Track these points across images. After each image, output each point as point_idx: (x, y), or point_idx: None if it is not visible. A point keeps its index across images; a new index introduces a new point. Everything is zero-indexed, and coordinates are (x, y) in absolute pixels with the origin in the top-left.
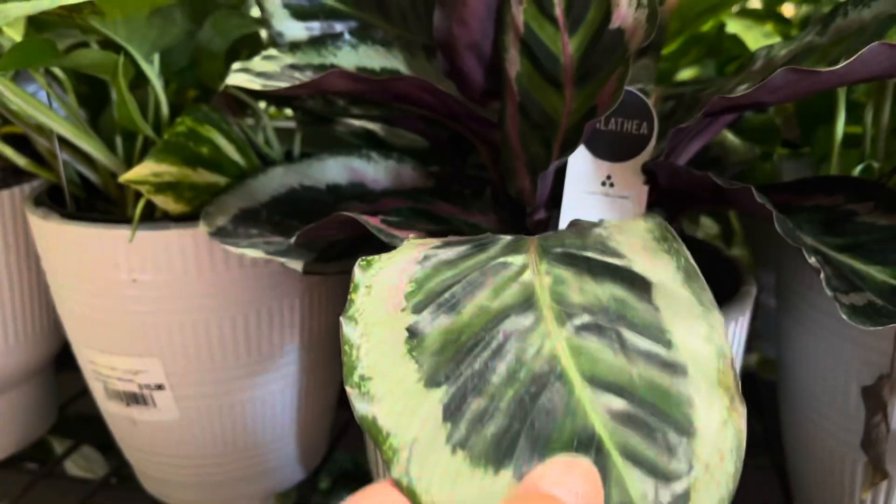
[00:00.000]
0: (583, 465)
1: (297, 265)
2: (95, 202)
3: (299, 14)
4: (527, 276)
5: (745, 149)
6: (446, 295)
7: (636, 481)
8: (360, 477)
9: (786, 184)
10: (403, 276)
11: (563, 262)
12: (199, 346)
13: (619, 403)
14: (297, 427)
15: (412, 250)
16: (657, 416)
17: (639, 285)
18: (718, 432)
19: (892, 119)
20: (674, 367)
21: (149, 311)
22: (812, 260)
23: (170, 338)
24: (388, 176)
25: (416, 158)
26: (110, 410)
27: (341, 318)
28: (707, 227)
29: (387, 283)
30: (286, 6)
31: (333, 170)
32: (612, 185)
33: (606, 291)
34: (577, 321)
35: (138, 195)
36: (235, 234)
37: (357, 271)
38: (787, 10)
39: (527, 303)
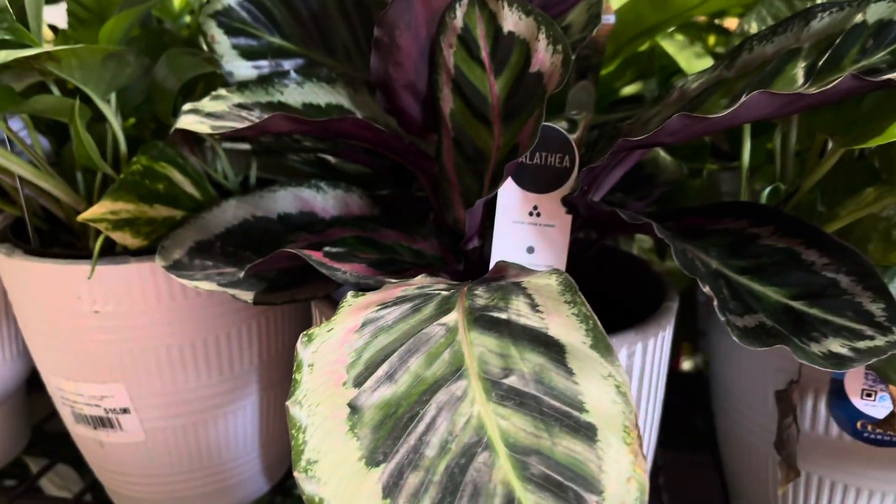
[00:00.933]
0: None
1: (247, 296)
2: (59, 234)
3: (248, 54)
4: (456, 343)
5: (675, 167)
6: (385, 366)
7: None
8: None
9: (700, 207)
10: (343, 348)
11: (487, 328)
12: (161, 371)
13: (538, 468)
14: (259, 443)
15: (351, 317)
16: (571, 477)
17: (554, 349)
18: (624, 488)
19: (798, 142)
20: (586, 430)
21: (112, 339)
22: (706, 289)
23: (133, 364)
24: (336, 204)
25: (365, 184)
26: (79, 433)
27: (287, 404)
28: (642, 240)
29: (328, 359)
30: (235, 47)
31: (284, 200)
32: (538, 214)
33: (527, 357)
34: (502, 390)
35: (99, 230)
36: (191, 267)
37: (299, 348)
38: (731, 23)
39: (457, 373)
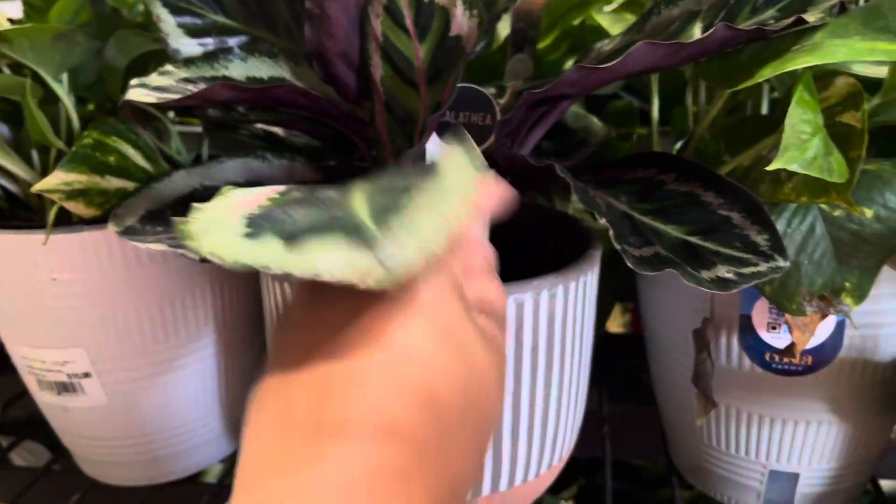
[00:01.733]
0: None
1: (194, 254)
2: (18, 211)
3: (193, 32)
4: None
5: (604, 131)
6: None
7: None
8: None
9: (616, 160)
10: (248, 198)
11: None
12: (119, 336)
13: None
14: (220, 405)
15: (267, 191)
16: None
17: (431, 171)
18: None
19: (707, 100)
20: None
21: (70, 306)
22: (602, 221)
23: (92, 329)
24: (282, 173)
25: (311, 156)
26: (44, 400)
27: (180, 227)
28: (577, 202)
29: (232, 201)
30: (180, 25)
31: (232, 170)
32: None
33: (404, 182)
34: (375, 194)
35: (54, 202)
36: (143, 232)
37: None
38: None
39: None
